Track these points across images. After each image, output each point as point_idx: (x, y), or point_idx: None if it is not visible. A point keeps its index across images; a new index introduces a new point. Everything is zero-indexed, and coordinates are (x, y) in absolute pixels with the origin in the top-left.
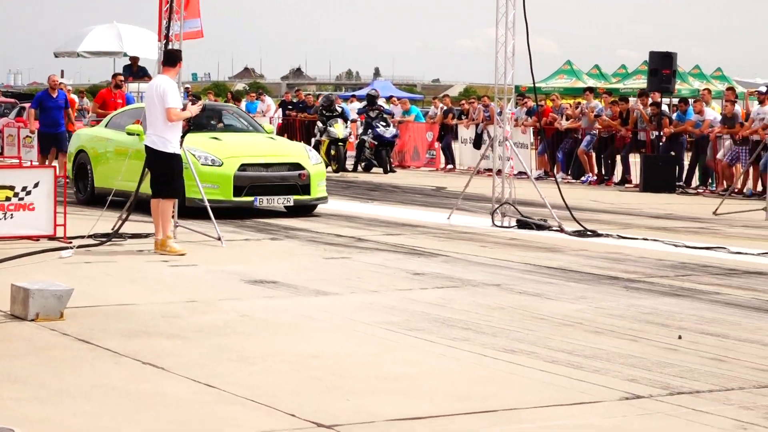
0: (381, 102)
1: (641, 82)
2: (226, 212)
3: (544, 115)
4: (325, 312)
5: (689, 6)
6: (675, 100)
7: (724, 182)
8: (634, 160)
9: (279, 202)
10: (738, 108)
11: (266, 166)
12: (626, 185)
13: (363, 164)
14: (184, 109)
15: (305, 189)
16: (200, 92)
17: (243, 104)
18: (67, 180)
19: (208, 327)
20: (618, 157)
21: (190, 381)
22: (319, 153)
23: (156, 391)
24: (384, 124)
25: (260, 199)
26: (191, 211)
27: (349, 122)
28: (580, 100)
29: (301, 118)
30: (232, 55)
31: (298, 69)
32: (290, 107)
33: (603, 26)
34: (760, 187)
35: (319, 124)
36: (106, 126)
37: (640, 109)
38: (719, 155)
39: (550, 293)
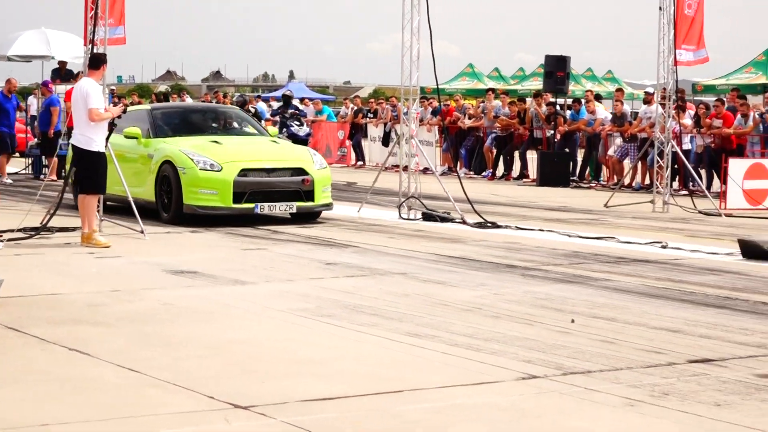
0: (295, 102)
1: (538, 84)
2: (225, 220)
3: (448, 115)
4: (243, 300)
5: (583, 12)
6: (569, 100)
7: (615, 177)
8: (532, 156)
9: (281, 209)
10: (627, 107)
11: (268, 171)
12: (524, 180)
13: None
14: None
15: (309, 195)
16: (125, 94)
17: None
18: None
19: (131, 315)
20: (516, 154)
21: (115, 366)
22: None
23: (82, 376)
24: (298, 123)
25: (261, 206)
26: (189, 218)
27: (263, 121)
28: (481, 100)
29: None
30: (155, 59)
31: (218, 72)
32: None
33: (502, 31)
34: (647, 181)
35: None
36: None
37: (537, 108)
38: (610, 151)
39: (452, 281)
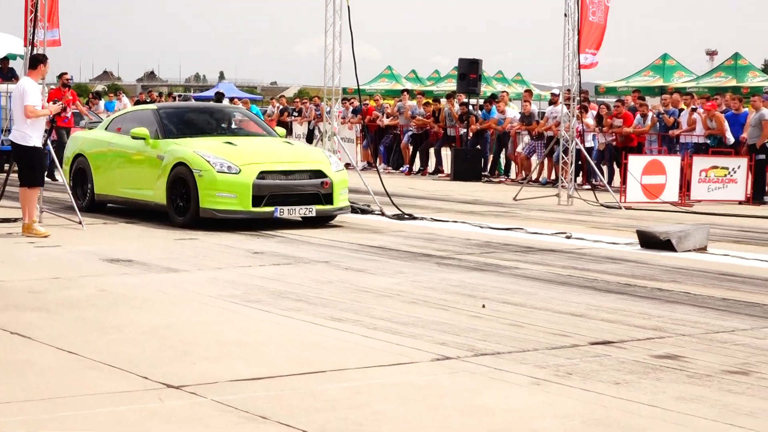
0: (226, 101)
1: (452, 85)
2: (243, 224)
3: (368, 114)
4: (175, 287)
5: (494, 18)
6: (481, 101)
7: (523, 172)
8: (446, 153)
9: (300, 212)
10: (534, 108)
11: (286, 173)
12: (439, 175)
13: None
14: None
15: (327, 198)
16: None
17: (102, 103)
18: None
19: (70, 301)
20: (431, 151)
21: (55, 349)
22: None
23: (23, 359)
24: None
25: (281, 209)
26: (205, 221)
27: None
28: (399, 100)
29: None
30: (93, 60)
31: (152, 72)
32: None
33: (420, 36)
34: (553, 176)
35: None
36: (106, 129)
37: (451, 108)
38: (519, 149)
39: (372, 269)
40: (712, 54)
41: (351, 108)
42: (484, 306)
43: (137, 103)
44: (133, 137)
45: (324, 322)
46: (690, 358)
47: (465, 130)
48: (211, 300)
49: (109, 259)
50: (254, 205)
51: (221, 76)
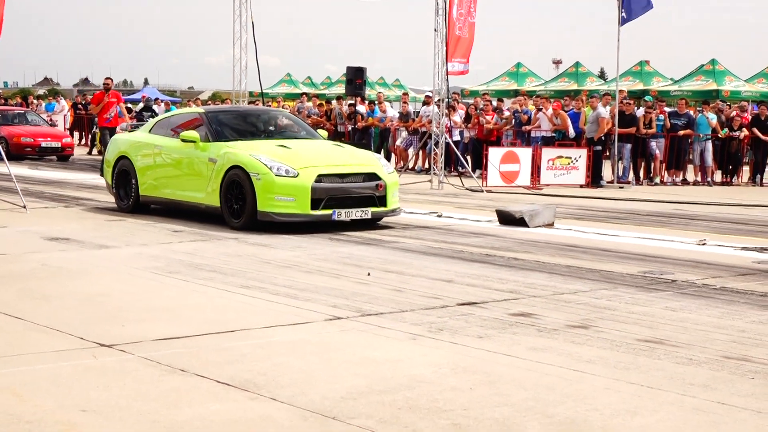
0: (155, 107)
1: (341, 89)
2: (303, 227)
3: None
4: (107, 261)
5: (376, 32)
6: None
7: (401, 161)
8: None
9: (357, 214)
10: (411, 108)
11: (342, 176)
12: None
13: None
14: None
15: (381, 200)
16: (9, 96)
17: (43, 104)
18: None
19: (15, 274)
20: None
21: (2, 315)
22: (95, 140)
23: None
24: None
25: (338, 212)
26: (262, 225)
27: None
28: (299, 101)
29: (88, 115)
30: (35, 68)
31: (86, 78)
32: (79, 107)
33: (314, 47)
34: (426, 165)
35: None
36: (149, 131)
37: (341, 108)
38: (398, 142)
39: (274, 244)
40: (557, 62)
41: None
42: (369, 274)
43: (74, 104)
44: (183, 140)
45: (234, 289)
46: (540, 315)
47: (352, 127)
48: (138, 272)
49: (49, 237)
50: (313, 208)
51: (146, 82)
